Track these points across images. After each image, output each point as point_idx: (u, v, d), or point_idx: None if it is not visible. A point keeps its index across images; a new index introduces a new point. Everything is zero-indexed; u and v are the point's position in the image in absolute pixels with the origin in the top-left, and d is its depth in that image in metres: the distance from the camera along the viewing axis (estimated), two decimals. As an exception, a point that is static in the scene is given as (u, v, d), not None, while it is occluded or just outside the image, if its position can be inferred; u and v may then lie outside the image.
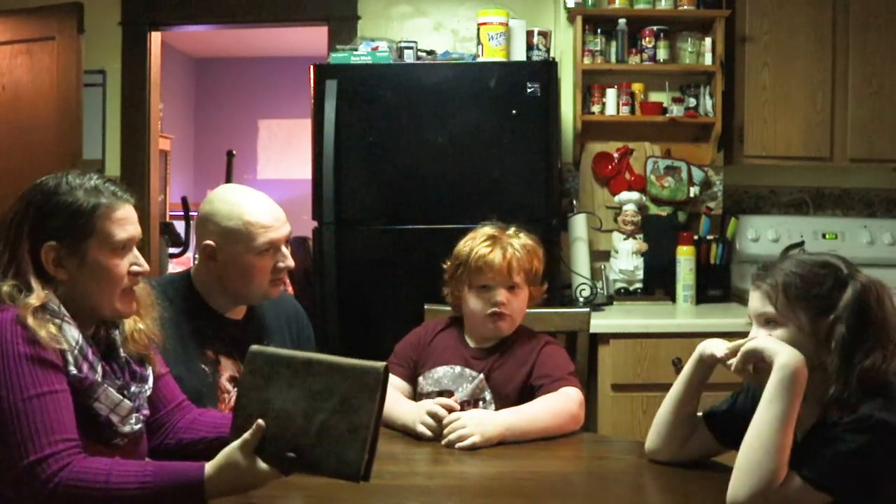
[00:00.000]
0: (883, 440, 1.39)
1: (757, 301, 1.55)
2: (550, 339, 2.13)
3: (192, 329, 1.97)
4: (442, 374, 2.04)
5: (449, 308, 2.19)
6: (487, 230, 2.08)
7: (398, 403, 1.97)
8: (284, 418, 1.37)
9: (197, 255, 2.11)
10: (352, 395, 1.35)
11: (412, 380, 2.10)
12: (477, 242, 2.05)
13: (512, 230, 2.09)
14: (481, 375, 2.01)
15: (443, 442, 1.82)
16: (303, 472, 1.40)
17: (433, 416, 1.86)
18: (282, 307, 2.18)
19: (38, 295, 1.45)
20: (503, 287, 2.01)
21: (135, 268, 1.55)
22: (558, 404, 1.93)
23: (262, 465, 1.39)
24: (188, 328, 1.96)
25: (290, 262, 2.01)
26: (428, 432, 1.85)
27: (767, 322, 1.53)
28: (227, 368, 2.00)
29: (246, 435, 1.39)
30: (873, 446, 1.39)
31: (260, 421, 1.38)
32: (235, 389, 1.97)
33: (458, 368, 2.04)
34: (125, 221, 1.54)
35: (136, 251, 1.57)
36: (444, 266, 2.13)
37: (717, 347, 1.62)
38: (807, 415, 1.50)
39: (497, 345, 2.07)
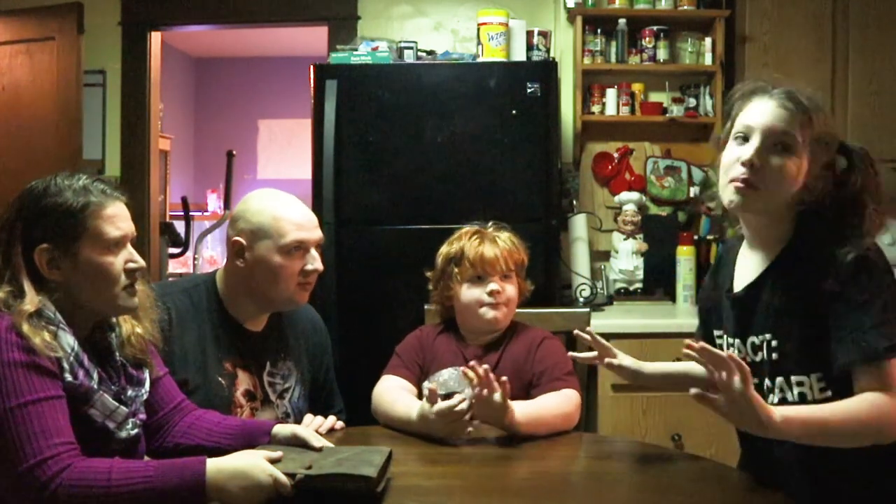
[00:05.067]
0: (875, 271, 1.42)
1: (777, 118, 1.50)
2: (548, 333, 2.15)
3: (214, 338, 1.95)
4: (447, 376, 2.02)
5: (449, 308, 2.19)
6: (469, 228, 2.16)
7: (413, 408, 1.94)
8: (305, 454, 1.57)
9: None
10: (365, 452, 1.58)
11: (419, 383, 2.08)
12: (465, 239, 2.12)
13: (492, 227, 2.16)
14: None
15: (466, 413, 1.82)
16: (315, 486, 1.44)
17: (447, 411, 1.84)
18: (300, 319, 2.14)
19: (31, 300, 1.45)
20: (498, 276, 2.07)
21: (131, 264, 1.55)
22: (562, 404, 1.94)
23: (273, 470, 1.42)
24: (211, 337, 1.94)
25: (319, 266, 1.97)
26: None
27: (781, 144, 1.50)
28: (243, 382, 1.96)
29: (266, 452, 1.48)
30: (875, 281, 1.41)
31: (280, 452, 1.51)
32: (248, 404, 1.96)
33: (462, 369, 2.03)
34: (116, 219, 1.53)
35: (130, 248, 1.56)
36: (428, 274, 2.18)
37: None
38: (776, 238, 1.53)
39: (496, 342, 2.09)
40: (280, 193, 2.02)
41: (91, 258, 1.50)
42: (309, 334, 2.15)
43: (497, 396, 1.79)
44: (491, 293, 2.05)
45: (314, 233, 1.98)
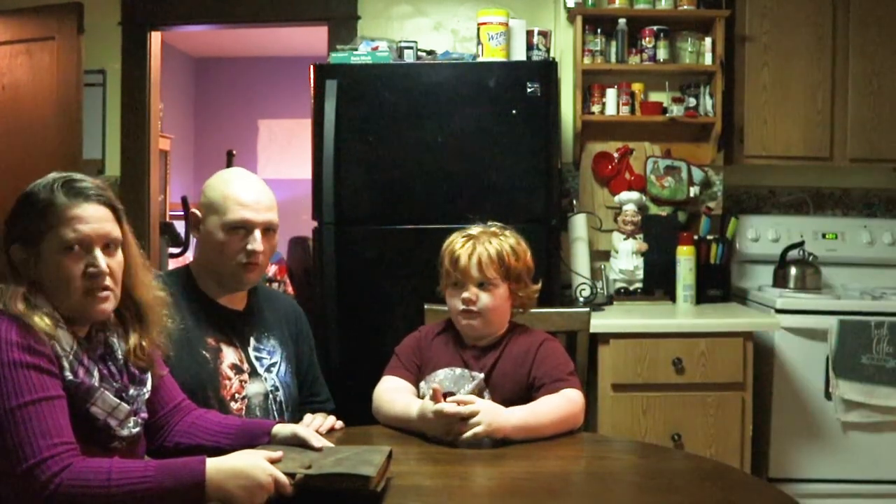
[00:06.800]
0: None
1: None
2: (548, 335, 2.11)
3: (192, 315, 1.99)
4: (443, 376, 2.03)
5: (447, 309, 2.19)
6: (469, 230, 2.08)
7: (413, 405, 1.93)
8: (305, 453, 1.56)
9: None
10: (365, 451, 1.58)
11: (418, 383, 2.08)
12: (453, 242, 2.06)
13: (495, 229, 2.08)
14: (481, 375, 2.00)
15: (454, 434, 1.80)
16: (315, 485, 1.44)
17: (442, 411, 1.82)
18: (281, 304, 2.21)
19: (16, 290, 1.46)
20: (472, 284, 2.01)
21: (91, 269, 1.49)
22: (561, 406, 1.92)
23: (273, 470, 1.42)
24: (188, 314, 1.98)
25: (258, 247, 1.98)
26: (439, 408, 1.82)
27: None
28: (229, 356, 2.00)
29: (266, 452, 1.47)
30: None
31: (280, 452, 1.51)
32: (237, 377, 1.98)
33: (458, 370, 2.03)
34: (77, 220, 1.49)
35: (96, 252, 1.50)
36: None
37: None
38: None
39: (494, 343, 2.06)
40: (242, 173, 2.06)
41: (51, 259, 1.49)
42: (291, 321, 2.19)
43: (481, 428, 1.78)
44: (463, 301, 2.01)
45: (260, 215, 2.00)
